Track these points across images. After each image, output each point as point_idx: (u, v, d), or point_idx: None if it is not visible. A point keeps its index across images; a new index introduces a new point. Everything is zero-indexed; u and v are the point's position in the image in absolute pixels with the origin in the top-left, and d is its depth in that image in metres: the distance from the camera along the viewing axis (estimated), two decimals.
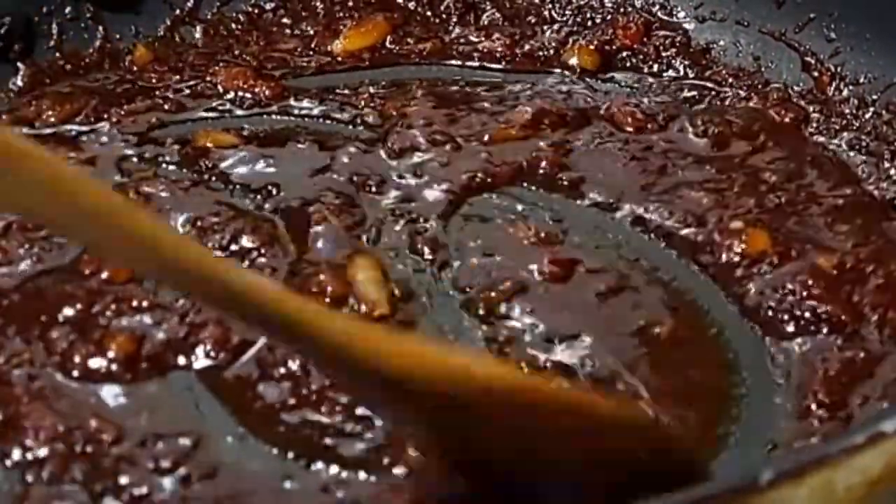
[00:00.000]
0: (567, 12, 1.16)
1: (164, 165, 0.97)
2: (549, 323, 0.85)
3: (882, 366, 0.81)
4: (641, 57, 1.12)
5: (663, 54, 1.12)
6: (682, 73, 1.11)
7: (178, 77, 1.08)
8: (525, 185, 0.97)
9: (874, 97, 1.05)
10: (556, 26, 1.15)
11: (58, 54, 1.09)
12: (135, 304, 0.84)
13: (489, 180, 0.97)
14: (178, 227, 0.90)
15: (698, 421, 0.79)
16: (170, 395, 0.79)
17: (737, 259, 0.89)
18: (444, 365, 0.63)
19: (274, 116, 1.04)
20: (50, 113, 1.02)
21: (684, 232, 0.91)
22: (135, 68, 1.10)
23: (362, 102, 1.05)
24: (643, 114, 1.03)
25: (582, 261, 0.89)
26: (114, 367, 0.80)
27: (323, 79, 1.10)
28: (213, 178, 0.96)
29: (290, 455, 0.76)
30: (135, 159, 0.98)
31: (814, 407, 0.79)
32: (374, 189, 0.95)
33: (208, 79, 1.08)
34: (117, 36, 1.13)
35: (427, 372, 0.62)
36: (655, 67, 1.11)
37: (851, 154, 1.01)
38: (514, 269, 0.88)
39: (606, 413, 0.66)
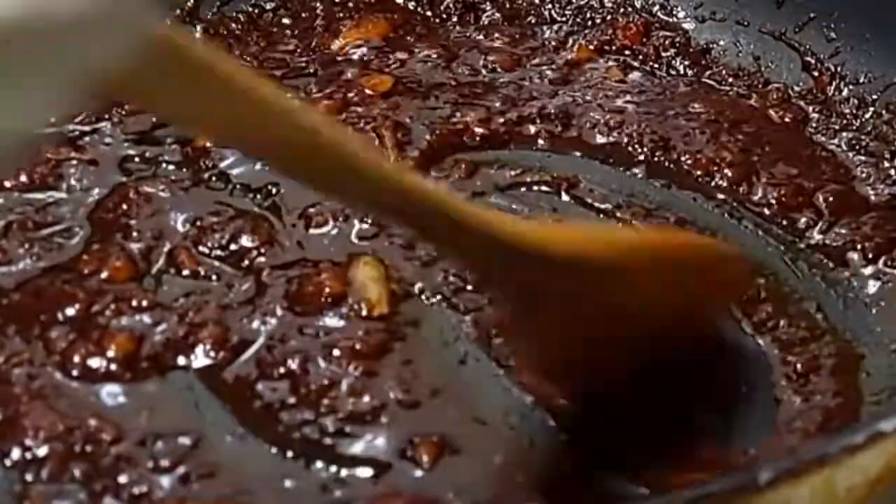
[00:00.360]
0: (567, 12, 1.16)
1: (164, 165, 0.97)
2: None
3: None
4: (641, 57, 1.12)
5: (663, 54, 1.12)
6: (682, 73, 1.11)
7: None
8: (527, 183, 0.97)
9: (874, 97, 1.05)
10: (556, 26, 1.15)
11: None
12: (134, 303, 0.84)
13: None
14: (179, 227, 0.91)
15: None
16: (170, 394, 0.79)
17: None
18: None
19: None
20: None
21: None
22: None
23: None
24: None
25: None
26: (113, 366, 0.80)
27: None
28: (213, 178, 0.96)
29: (290, 455, 0.76)
30: (136, 159, 0.98)
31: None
32: None
33: None
34: None
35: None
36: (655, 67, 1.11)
37: (851, 154, 1.01)
38: None
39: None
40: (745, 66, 1.11)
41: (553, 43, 1.13)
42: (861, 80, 1.06)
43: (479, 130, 1.01)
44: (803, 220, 0.94)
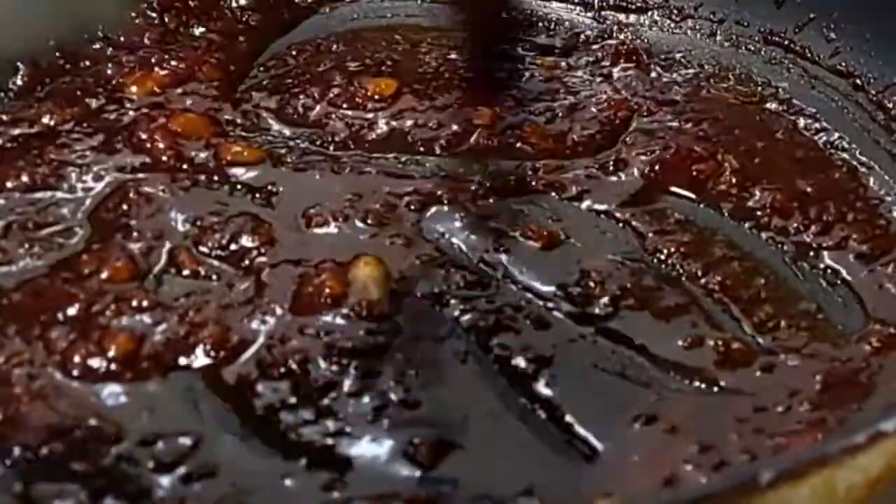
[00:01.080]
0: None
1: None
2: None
3: None
4: (641, 58, 1.12)
5: (664, 56, 1.12)
6: (681, 74, 1.11)
7: None
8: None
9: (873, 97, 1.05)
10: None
11: (58, 54, 1.09)
12: (135, 304, 0.84)
13: None
14: (179, 227, 0.91)
15: None
16: (170, 394, 0.79)
17: None
18: None
19: None
20: (49, 115, 1.02)
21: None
22: None
23: None
24: None
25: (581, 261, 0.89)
26: (113, 366, 0.80)
27: None
28: (214, 178, 0.96)
29: (291, 455, 0.76)
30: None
31: None
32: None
33: None
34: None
35: None
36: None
37: (848, 156, 1.01)
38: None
39: None
40: (746, 67, 1.11)
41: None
42: (861, 81, 1.06)
43: (483, 132, 1.01)
44: (803, 220, 0.94)
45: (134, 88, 1.04)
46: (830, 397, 0.80)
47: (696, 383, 0.81)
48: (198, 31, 1.13)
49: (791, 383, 0.81)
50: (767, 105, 1.07)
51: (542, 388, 0.80)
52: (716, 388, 0.80)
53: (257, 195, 0.94)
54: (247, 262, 0.88)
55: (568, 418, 0.78)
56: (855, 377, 0.82)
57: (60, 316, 0.83)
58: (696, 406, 0.79)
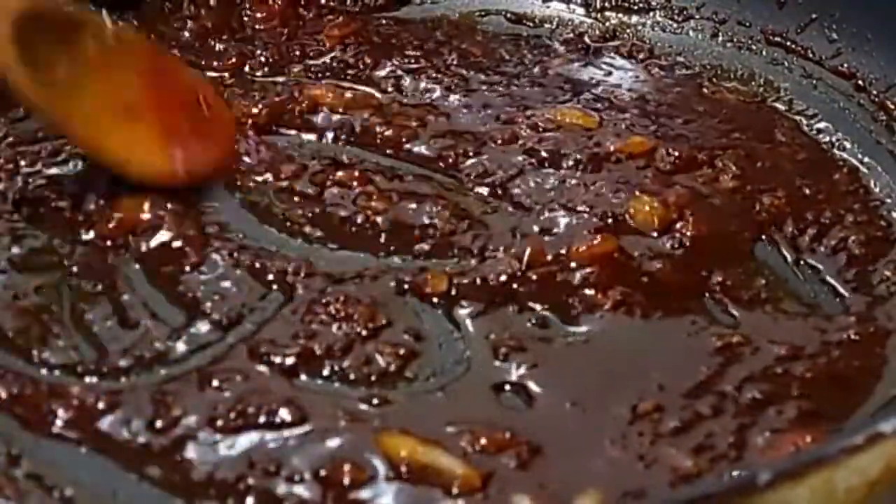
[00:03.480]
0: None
1: None
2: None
3: None
4: (643, 59, 1.12)
5: (665, 56, 1.12)
6: (683, 75, 1.11)
7: None
8: None
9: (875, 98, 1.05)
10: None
11: None
12: None
13: None
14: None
15: None
16: None
17: None
18: None
19: None
20: None
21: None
22: None
23: None
24: None
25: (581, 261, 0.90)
26: None
27: None
28: None
29: None
30: None
31: None
32: None
33: None
34: None
35: None
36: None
37: (852, 158, 1.02)
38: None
39: None
40: (747, 68, 1.11)
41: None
42: (863, 81, 1.06)
43: (498, 133, 1.01)
44: (803, 221, 0.94)
45: None
46: (826, 396, 0.80)
47: (693, 379, 0.81)
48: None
49: (786, 380, 0.81)
50: (769, 106, 1.07)
51: (541, 388, 0.80)
52: (711, 384, 0.81)
53: None
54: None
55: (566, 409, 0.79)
56: (852, 377, 0.82)
57: None
58: (689, 398, 0.79)
